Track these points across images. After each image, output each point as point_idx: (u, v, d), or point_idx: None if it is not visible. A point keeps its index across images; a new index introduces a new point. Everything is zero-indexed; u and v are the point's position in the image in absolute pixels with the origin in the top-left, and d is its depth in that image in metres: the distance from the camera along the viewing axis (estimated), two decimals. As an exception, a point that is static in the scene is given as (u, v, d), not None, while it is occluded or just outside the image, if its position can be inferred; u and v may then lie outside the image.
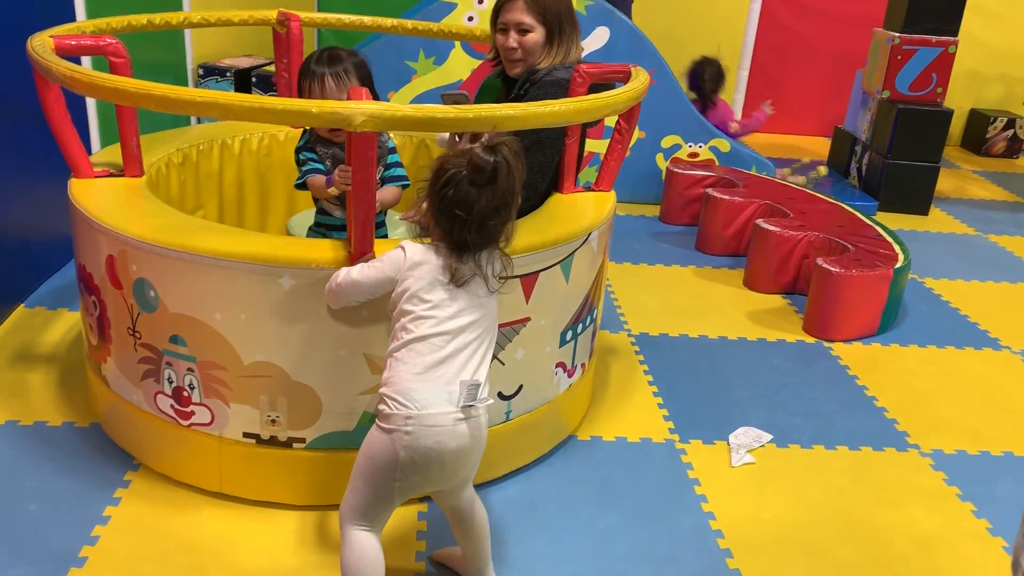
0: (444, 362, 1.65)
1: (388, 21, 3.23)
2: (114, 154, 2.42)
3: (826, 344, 3.20)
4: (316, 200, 2.40)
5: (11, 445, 2.25)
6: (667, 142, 4.56)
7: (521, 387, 2.21)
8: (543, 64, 2.44)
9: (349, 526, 1.70)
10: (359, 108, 1.75)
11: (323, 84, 2.24)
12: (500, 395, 2.17)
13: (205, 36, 4.53)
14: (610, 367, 2.89)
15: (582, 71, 2.26)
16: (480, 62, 4.33)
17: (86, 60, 3.19)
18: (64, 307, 2.96)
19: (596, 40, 4.30)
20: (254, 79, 4.74)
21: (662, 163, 4.57)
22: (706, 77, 4.76)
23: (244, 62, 4.87)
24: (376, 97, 2.12)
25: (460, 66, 4.34)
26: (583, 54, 2.54)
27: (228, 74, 4.62)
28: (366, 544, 1.69)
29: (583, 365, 2.46)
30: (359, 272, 1.79)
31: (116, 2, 3.35)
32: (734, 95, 5.76)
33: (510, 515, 2.15)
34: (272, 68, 4.89)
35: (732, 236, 3.96)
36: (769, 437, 2.58)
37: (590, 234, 2.25)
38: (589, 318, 2.40)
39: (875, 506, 2.31)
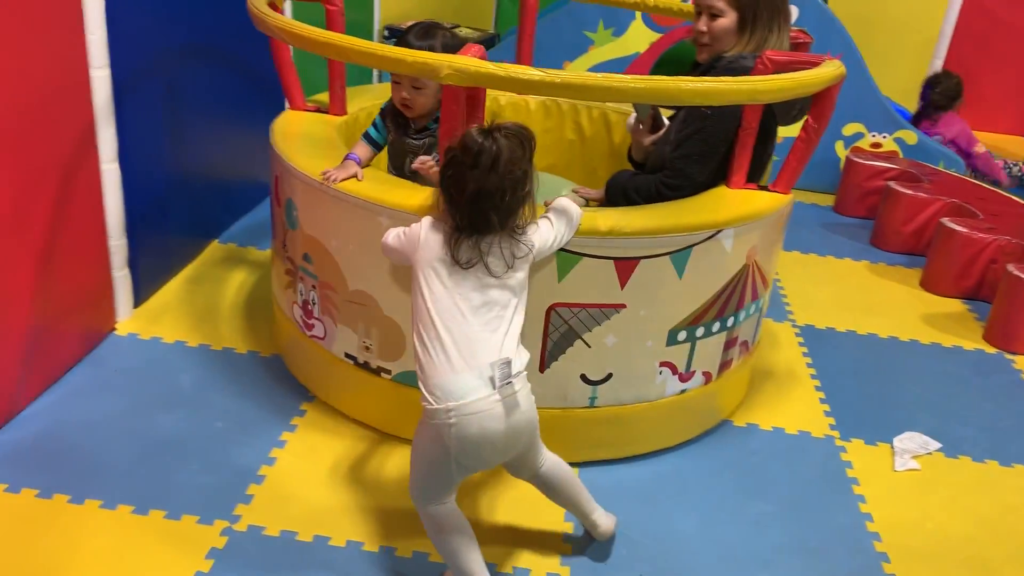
0: (471, 345, 1.63)
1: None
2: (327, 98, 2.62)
3: (1008, 356, 2.99)
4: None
5: (203, 366, 2.46)
6: (848, 130, 4.35)
7: (610, 375, 2.12)
8: (731, 52, 2.30)
9: (422, 506, 1.75)
10: (446, 60, 1.81)
11: None
12: (584, 378, 2.11)
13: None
14: (771, 356, 2.83)
15: (766, 58, 2.07)
16: (659, 35, 4.27)
17: (288, 8, 3.38)
18: (253, 246, 3.18)
19: (784, 19, 4.14)
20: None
21: (841, 151, 4.37)
22: (938, 90, 4.49)
23: (427, 25, 5.01)
24: None
25: (639, 38, 4.30)
26: (786, 44, 2.34)
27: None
28: (443, 516, 1.73)
29: (706, 373, 2.26)
30: (394, 238, 1.80)
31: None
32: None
33: (661, 490, 2.16)
34: (463, 33, 5.01)
35: (912, 233, 3.75)
36: (937, 445, 2.45)
37: (719, 231, 2.07)
38: (720, 324, 2.21)
39: (1052, 531, 2.17)
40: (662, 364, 2.17)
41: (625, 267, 2.00)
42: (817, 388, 2.68)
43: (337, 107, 2.59)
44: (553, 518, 2.02)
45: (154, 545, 1.84)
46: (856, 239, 3.90)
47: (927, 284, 3.47)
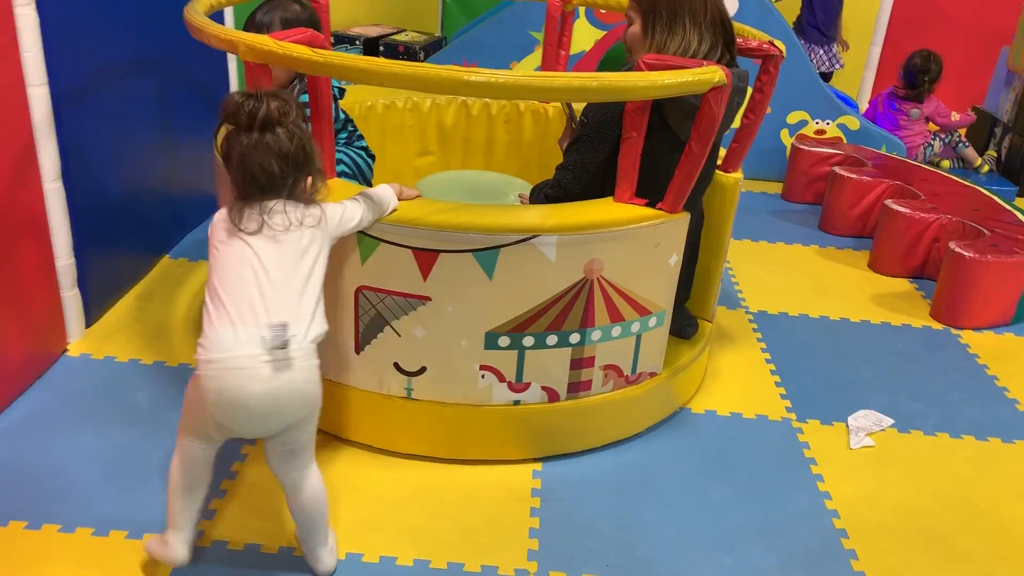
0: (250, 305, 1.61)
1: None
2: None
3: (955, 332, 3.08)
4: None
5: (159, 383, 2.43)
6: (793, 118, 4.44)
7: (424, 368, 2.10)
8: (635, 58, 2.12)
9: (180, 437, 1.76)
10: (242, 38, 1.89)
11: (270, 32, 2.29)
12: (398, 367, 2.10)
13: (337, 5, 4.66)
14: (727, 343, 2.87)
15: (642, 61, 1.94)
16: (604, 33, 4.31)
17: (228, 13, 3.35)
18: (204, 259, 3.14)
19: (724, 12, 4.21)
20: (382, 48, 4.87)
21: (787, 139, 4.45)
22: (927, 77, 4.57)
23: (373, 31, 5.00)
24: None
25: (583, 36, 4.33)
26: (701, 47, 2.13)
27: (357, 42, 4.75)
28: (187, 456, 1.74)
29: (549, 390, 2.16)
30: None
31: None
32: (864, 72, 5.55)
33: (624, 479, 2.19)
34: (400, 37, 5.01)
35: (858, 217, 3.84)
36: (890, 422, 2.51)
37: (532, 237, 1.96)
38: (558, 337, 2.08)
39: (1003, 498, 2.24)
40: (483, 367, 2.10)
41: (425, 259, 1.98)
42: (772, 372, 2.74)
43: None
44: (518, 516, 2.04)
45: (115, 567, 1.82)
46: (805, 225, 3.98)
47: (875, 265, 3.55)
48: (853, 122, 4.43)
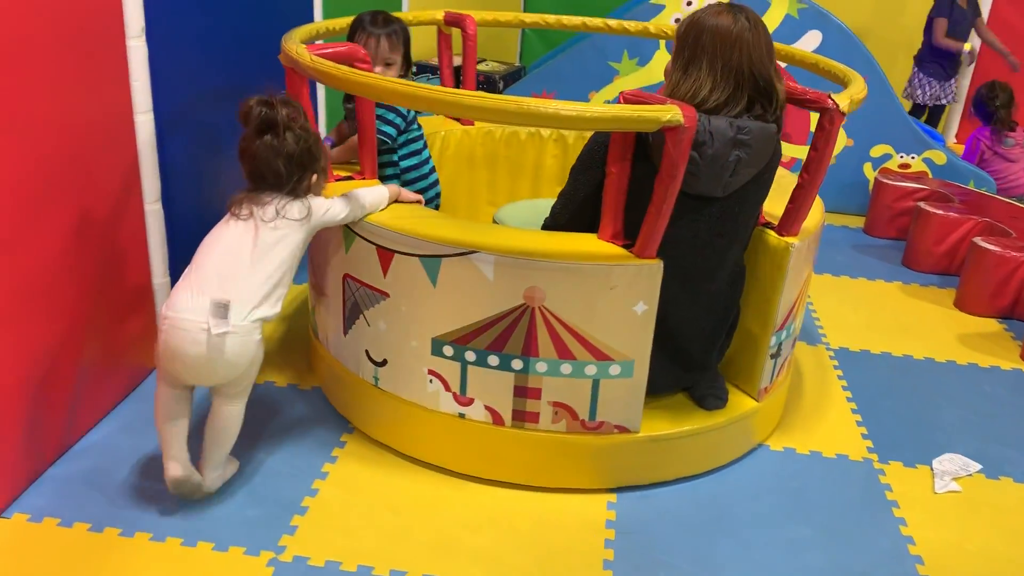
0: (212, 279, 1.90)
1: (592, 21, 3.28)
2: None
3: (1047, 375, 2.97)
4: None
5: (262, 400, 2.50)
6: (876, 151, 4.36)
7: (385, 361, 2.24)
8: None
9: (157, 379, 2.02)
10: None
11: (379, 43, 2.57)
12: (368, 355, 2.26)
13: (419, 35, 4.78)
14: (806, 380, 2.83)
15: (622, 95, 1.94)
16: (684, 64, 4.31)
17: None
18: (289, 280, 3.24)
19: (807, 44, 4.18)
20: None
21: (870, 173, 4.38)
22: (998, 104, 4.48)
23: (454, 60, 5.09)
24: (409, 61, 2.68)
25: (663, 67, 4.34)
26: (713, 95, 2.02)
27: (436, 72, 4.85)
28: (162, 393, 2.01)
29: (493, 411, 2.15)
30: None
31: (347, 4, 3.62)
32: (951, 106, 5.43)
33: (700, 515, 2.17)
34: (480, 67, 5.11)
35: (944, 253, 3.74)
36: (978, 467, 2.43)
37: (470, 252, 1.99)
38: (499, 359, 2.08)
39: (1099, 552, 2.14)
40: (431, 372, 2.17)
41: (385, 257, 2.13)
42: (854, 411, 2.68)
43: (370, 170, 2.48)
44: (593, 547, 2.04)
45: (203, 576, 1.89)
46: (887, 260, 3.89)
47: (961, 304, 3.45)
48: (940, 156, 4.33)
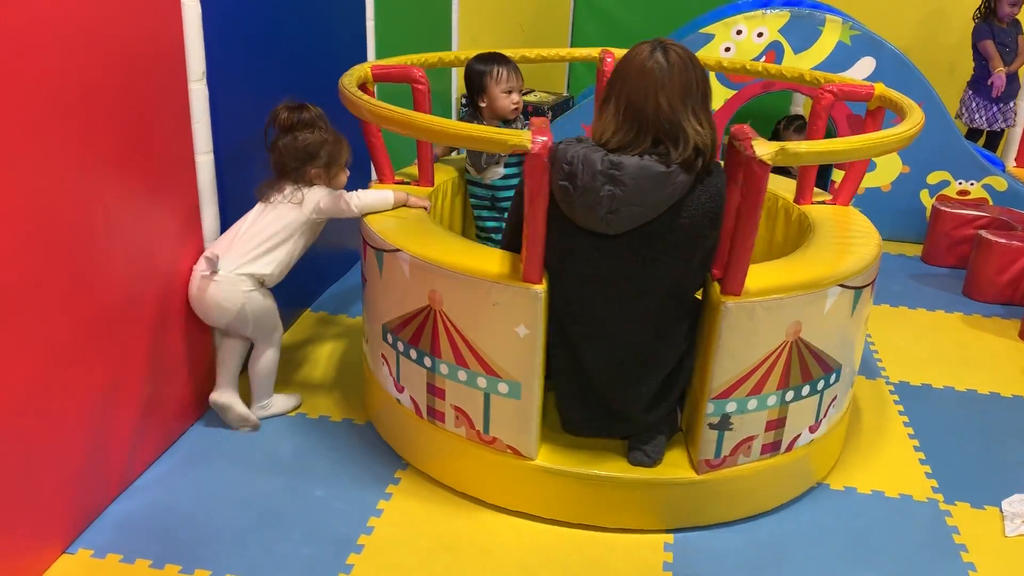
0: (222, 241, 2.43)
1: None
2: (415, 171, 2.76)
3: (1120, 411, 2.86)
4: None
5: (301, 434, 2.53)
6: (933, 178, 4.28)
7: (367, 337, 2.54)
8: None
9: None
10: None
11: (516, 73, 2.86)
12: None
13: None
14: (866, 415, 2.76)
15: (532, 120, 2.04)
16: (735, 92, 4.29)
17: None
18: (343, 313, 3.28)
19: (861, 70, 4.13)
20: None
21: (927, 200, 4.29)
22: None
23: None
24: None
25: (715, 96, 4.31)
26: (615, 136, 1.99)
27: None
28: (217, 337, 2.55)
29: (415, 403, 2.30)
30: None
31: (398, 43, 3.69)
32: (1010, 129, 5.31)
33: (759, 557, 2.12)
34: (529, 97, 5.13)
35: (1007, 283, 3.64)
36: (1050, 509, 2.35)
37: (395, 250, 2.21)
38: (417, 355, 2.21)
39: None
40: (383, 355, 2.40)
41: (364, 247, 2.41)
42: (916, 448, 2.61)
43: (426, 179, 2.71)
44: (652, 557, 2.01)
45: (261, 615, 1.89)
46: (948, 290, 3.80)
47: (1027, 336, 3.36)
48: (1000, 183, 4.23)
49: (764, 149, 1.85)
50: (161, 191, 2.27)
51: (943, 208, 4.04)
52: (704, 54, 4.24)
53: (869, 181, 4.30)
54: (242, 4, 2.57)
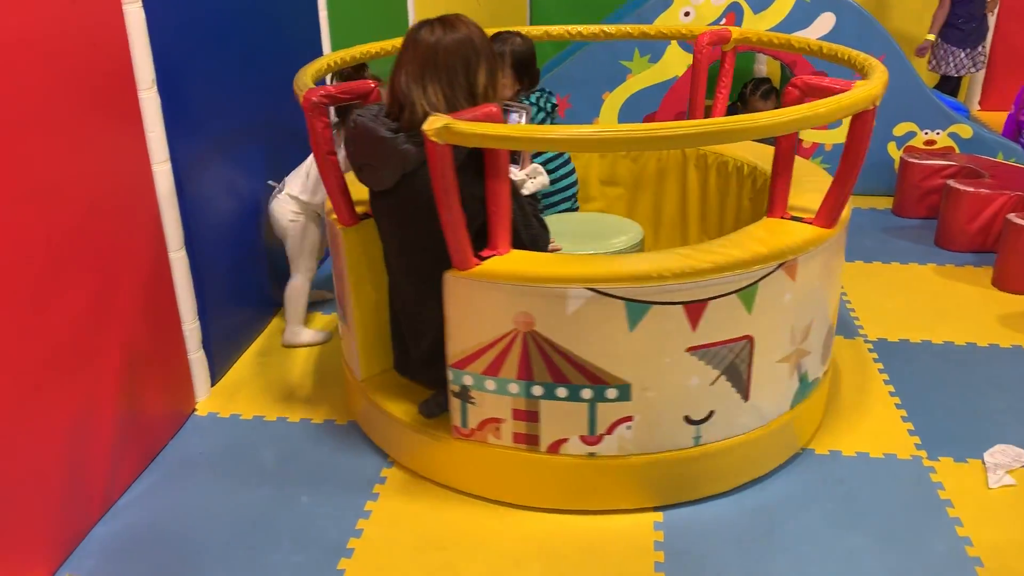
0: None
1: (593, 28, 3.22)
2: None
3: (1095, 352, 2.90)
4: None
5: (283, 440, 2.51)
6: (900, 130, 4.27)
7: None
8: None
9: None
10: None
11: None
12: None
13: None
14: (846, 376, 2.77)
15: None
16: (697, 57, 4.25)
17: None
18: (318, 311, 3.24)
19: (821, 27, 4.10)
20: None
21: (895, 152, 4.29)
22: None
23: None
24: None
25: (676, 62, 4.29)
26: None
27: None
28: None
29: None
30: None
31: (354, 31, 3.62)
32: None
33: (749, 529, 2.13)
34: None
35: (978, 231, 3.66)
36: (1031, 457, 2.38)
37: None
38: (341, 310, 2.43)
39: None
40: None
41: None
42: (898, 405, 2.63)
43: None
44: (643, 572, 2.01)
45: (255, 629, 1.88)
46: (920, 241, 3.82)
47: (999, 282, 3.38)
48: (965, 130, 4.24)
49: (430, 124, 1.83)
50: (119, 205, 2.22)
51: (911, 160, 4.04)
52: (663, 20, 4.21)
53: (836, 137, 4.30)
54: (189, 5, 2.50)
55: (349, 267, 2.35)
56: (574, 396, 2.07)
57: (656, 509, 2.20)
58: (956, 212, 3.69)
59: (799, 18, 4.10)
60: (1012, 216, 3.33)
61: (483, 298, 2.03)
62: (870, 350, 2.94)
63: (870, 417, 2.57)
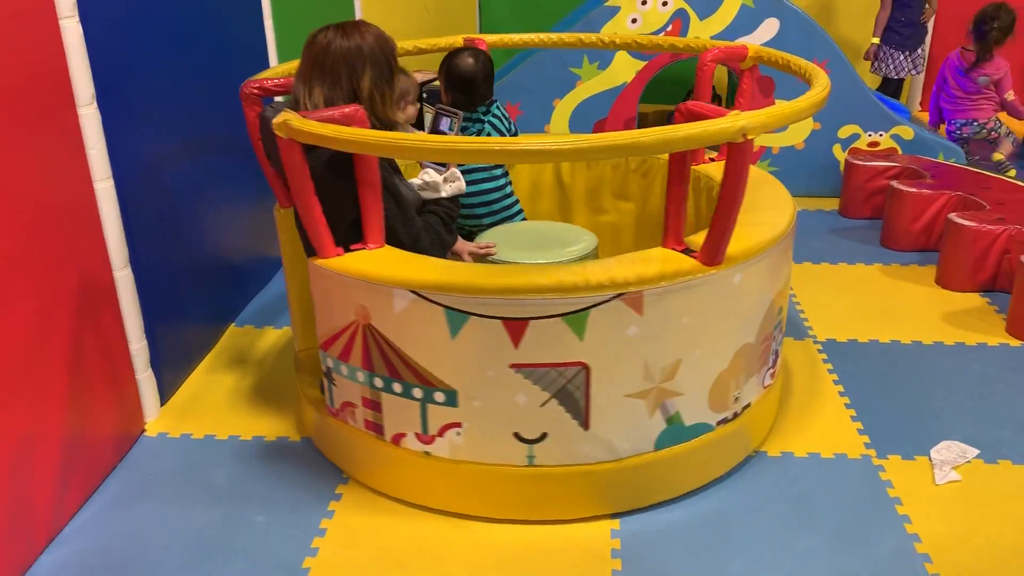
0: None
1: (550, 36, 3.24)
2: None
3: (1034, 347, 2.98)
4: None
5: (235, 459, 2.47)
6: (844, 132, 4.36)
7: None
8: None
9: None
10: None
11: None
12: None
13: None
14: (797, 377, 2.82)
15: None
16: (644, 63, 4.30)
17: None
18: (270, 325, 3.20)
19: (764, 33, 4.17)
20: (425, 94, 4.91)
21: (840, 154, 4.38)
22: (996, 25, 4.39)
23: (418, 76, 5.05)
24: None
25: (624, 69, 4.32)
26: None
27: (400, 90, 4.80)
28: None
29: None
30: None
31: (300, 39, 3.58)
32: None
33: (705, 533, 2.15)
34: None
35: (921, 231, 3.75)
36: (976, 452, 2.43)
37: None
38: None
39: (1104, 531, 2.15)
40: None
41: None
42: (847, 406, 2.67)
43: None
44: (599, 569, 2.02)
45: (209, 654, 1.85)
46: (866, 242, 3.90)
47: (943, 281, 3.46)
48: (907, 132, 4.34)
49: (278, 120, 1.97)
50: (60, 224, 2.17)
51: (855, 161, 4.13)
52: (611, 28, 4.24)
53: (784, 140, 4.37)
54: (129, 19, 2.45)
55: (283, 245, 2.61)
56: (407, 393, 2.15)
57: (613, 516, 2.21)
58: (900, 212, 3.77)
59: (744, 24, 4.16)
60: (953, 216, 3.42)
61: (332, 287, 2.17)
62: (820, 351, 2.99)
63: (821, 418, 2.62)
